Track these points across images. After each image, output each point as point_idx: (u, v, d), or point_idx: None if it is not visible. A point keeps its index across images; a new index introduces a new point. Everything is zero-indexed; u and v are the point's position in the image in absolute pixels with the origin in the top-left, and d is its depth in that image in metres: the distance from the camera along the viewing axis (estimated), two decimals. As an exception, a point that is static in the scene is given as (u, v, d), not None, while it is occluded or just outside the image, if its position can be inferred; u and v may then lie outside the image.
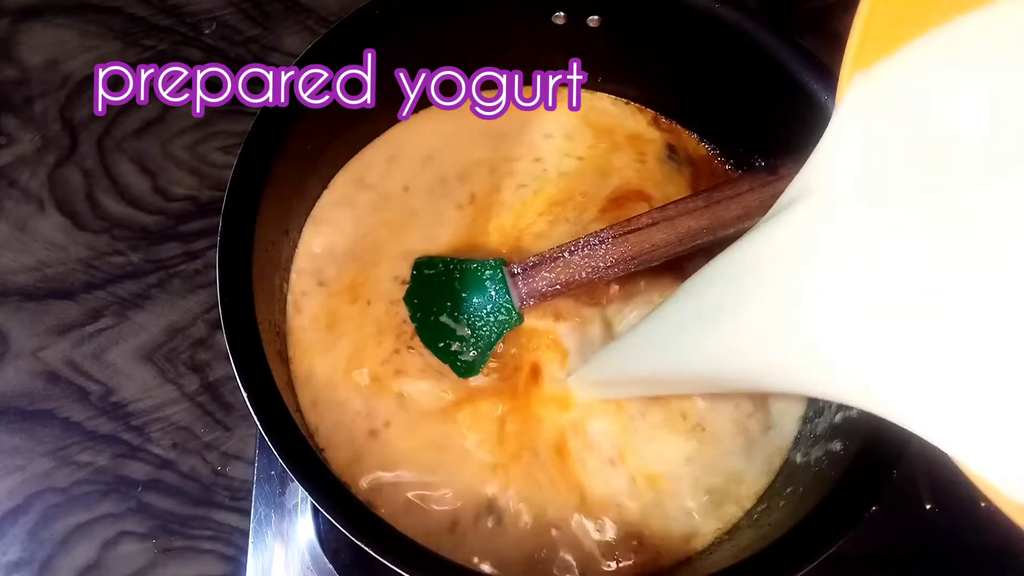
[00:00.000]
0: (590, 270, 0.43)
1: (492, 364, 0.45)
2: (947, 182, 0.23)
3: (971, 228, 0.22)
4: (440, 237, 0.47)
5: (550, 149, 0.50)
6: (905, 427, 0.25)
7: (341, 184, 0.48)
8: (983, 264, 0.22)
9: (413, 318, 0.45)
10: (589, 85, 0.51)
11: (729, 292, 0.32)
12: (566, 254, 0.44)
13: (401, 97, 0.49)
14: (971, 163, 0.22)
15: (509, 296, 0.44)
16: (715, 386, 0.38)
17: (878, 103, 0.24)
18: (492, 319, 0.44)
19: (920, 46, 0.23)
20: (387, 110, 0.49)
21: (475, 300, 0.44)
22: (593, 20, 0.46)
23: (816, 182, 0.26)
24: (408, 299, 0.45)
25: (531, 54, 0.49)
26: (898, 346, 0.23)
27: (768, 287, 0.29)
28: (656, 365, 0.38)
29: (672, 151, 0.50)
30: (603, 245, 0.43)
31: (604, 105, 0.52)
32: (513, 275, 0.44)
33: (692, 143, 0.51)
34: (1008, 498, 0.21)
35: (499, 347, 0.45)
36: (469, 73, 0.49)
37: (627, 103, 0.52)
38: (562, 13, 0.46)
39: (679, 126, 0.51)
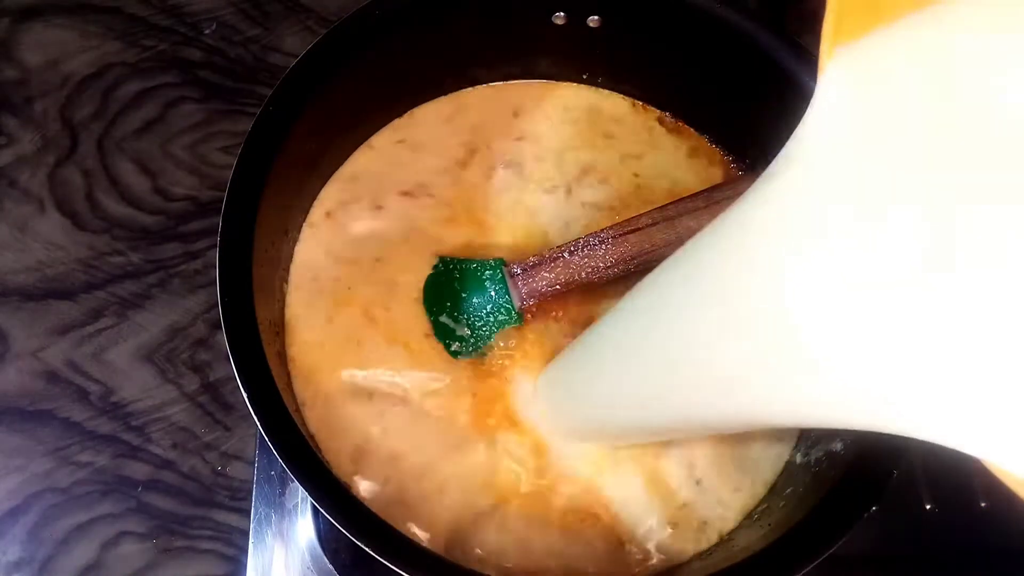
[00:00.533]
0: (590, 270, 0.43)
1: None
2: (939, 155, 0.22)
3: (970, 200, 0.21)
4: (444, 237, 0.47)
5: (554, 143, 0.50)
6: (903, 430, 0.24)
7: (341, 183, 0.48)
8: (981, 239, 0.20)
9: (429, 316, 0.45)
10: (590, 82, 0.51)
11: (693, 283, 0.30)
12: (566, 254, 0.44)
13: (401, 96, 0.49)
14: (966, 137, 0.21)
15: (509, 296, 0.44)
16: (678, 421, 0.35)
17: (861, 74, 0.23)
18: (492, 319, 0.44)
19: (904, 22, 0.23)
20: (387, 109, 0.49)
21: (475, 300, 0.44)
22: (593, 20, 0.46)
23: (795, 156, 0.25)
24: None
25: (531, 54, 0.49)
26: (889, 324, 0.22)
27: (741, 267, 0.27)
28: (610, 395, 0.37)
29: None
30: (603, 245, 0.43)
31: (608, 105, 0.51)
32: (513, 275, 0.44)
33: (703, 144, 0.51)
34: None
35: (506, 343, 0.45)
36: (469, 73, 0.49)
37: (633, 103, 0.51)
38: (562, 13, 0.46)
39: (686, 126, 0.51)
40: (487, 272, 0.44)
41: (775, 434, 0.44)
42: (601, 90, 0.51)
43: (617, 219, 0.45)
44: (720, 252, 0.29)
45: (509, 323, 0.44)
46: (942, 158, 0.22)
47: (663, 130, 0.51)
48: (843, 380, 0.24)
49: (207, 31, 0.63)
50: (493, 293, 0.44)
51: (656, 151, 0.50)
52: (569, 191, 0.48)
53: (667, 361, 0.32)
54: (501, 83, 0.51)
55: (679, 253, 0.31)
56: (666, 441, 0.43)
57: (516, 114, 0.50)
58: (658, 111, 0.51)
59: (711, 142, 0.51)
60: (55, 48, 0.62)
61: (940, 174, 0.22)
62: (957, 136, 0.21)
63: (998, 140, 0.21)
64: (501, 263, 0.45)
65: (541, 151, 0.49)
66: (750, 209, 0.27)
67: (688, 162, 0.50)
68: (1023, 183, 0.20)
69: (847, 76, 0.24)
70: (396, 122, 0.49)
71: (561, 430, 0.43)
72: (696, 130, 0.51)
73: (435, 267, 0.46)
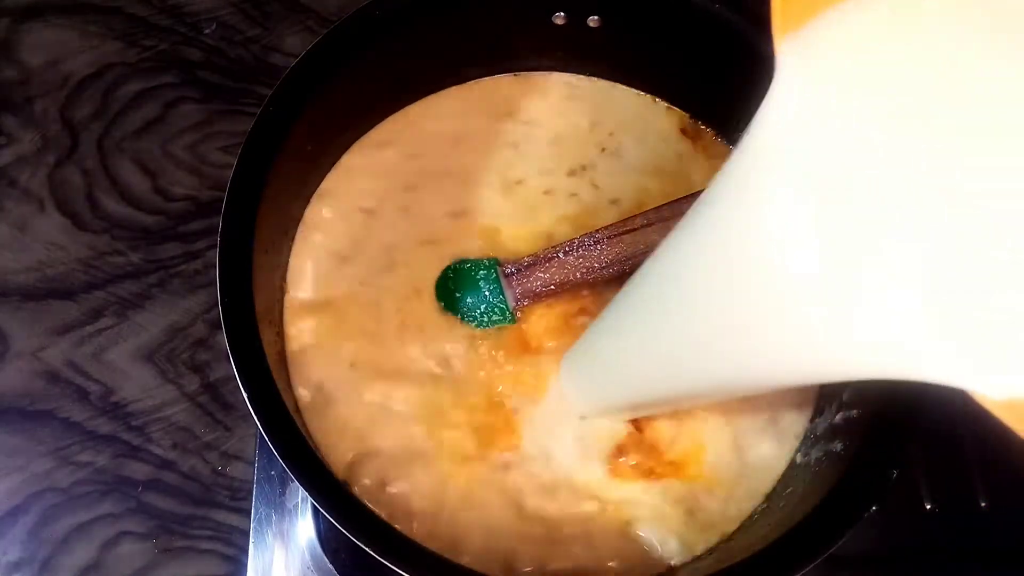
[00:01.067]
0: (584, 270, 0.43)
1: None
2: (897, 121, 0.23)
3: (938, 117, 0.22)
4: (446, 235, 0.47)
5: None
6: (890, 373, 0.24)
7: (341, 182, 0.48)
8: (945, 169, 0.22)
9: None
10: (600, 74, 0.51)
11: (695, 242, 0.31)
12: (560, 254, 0.43)
13: (401, 95, 0.49)
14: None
15: (503, 296, 0.44)
16: (698, 380, 0.36)
17: (812, 49, 0.24)
18: (486, 319, 0.44)
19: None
20: (387, 108, 0.49)
21: (469, 300, 0.44)
22: (593, 20, 0.46)
23: (763, 119, 0.27)
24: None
25: (531, 54, 0.49)
26: (865, 267, 0.23)
27: (727, 210, 0.29)
28: (633, 366, 0.37)
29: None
30: (598, 245, 0.43)
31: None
32: (507, 275, 0.44)
33: (710, 136, 0.50)
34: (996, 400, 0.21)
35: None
36: (468, 73, 0.49)
37: (638, 94, 0.51)
38: (562, 13, 0.46)
39: (692, 118, 0.50)
40: (481, 272, 0.44)
41: (777, 435, 0.44)
42: (604, 82, 0.51)
43: (625, 214, 0.45)
44: (713, 204, 0.30)
45: (503, 323, 0.44)
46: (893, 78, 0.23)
47: (673, 122, 0.50)
48: (829, 324, 0.25)
49: (207, 31, 0.63)
50: (487, 293, 0.44)
51: (663, 143, 0.50)
52: (571, 184, 0.48)
53: (681, 322, 0.33)
54: (501, 76, 0.50)
55: (680, 222, 0.32)
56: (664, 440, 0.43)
57: (517, 108, 0.50)
58: (665, 102, 0.51)
59: (717, 136, 0.50)
60: (55, 48, 0.62)
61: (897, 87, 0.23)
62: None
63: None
64: (495, 262, 0.45)
65: (543, 145, 0.49)
66: (738, 159, 0.28)
67: (701, 156, 0.49)
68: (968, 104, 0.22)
69: (803, 52, 0.25)
70: (396, 118, 0.49)
71: (588, 407, 0.43)
72: (706, 126, 0.50)
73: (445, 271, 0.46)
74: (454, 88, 0.50)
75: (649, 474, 0.43)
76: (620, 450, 0.43)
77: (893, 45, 0.23)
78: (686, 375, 0.35)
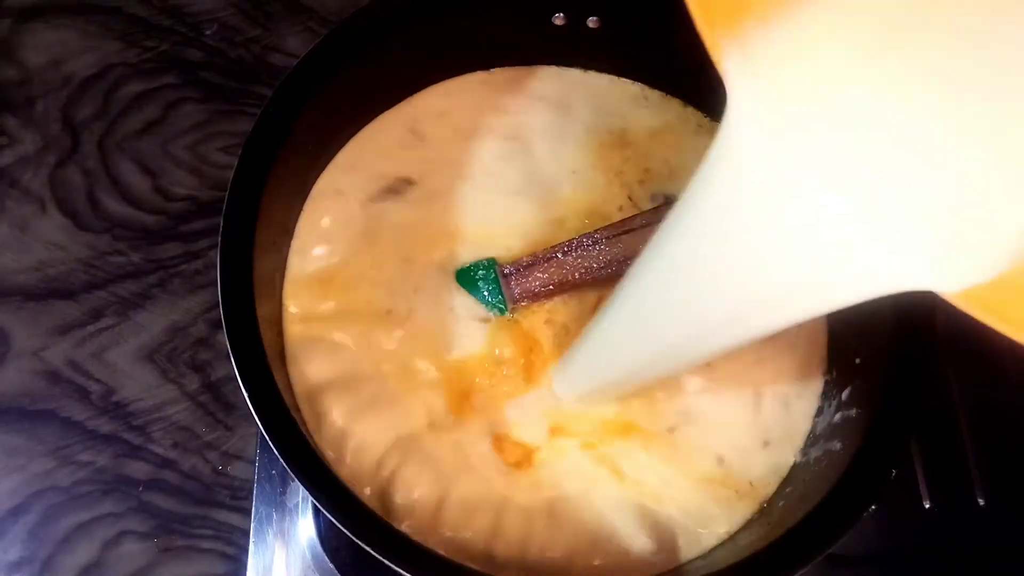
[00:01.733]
0: (583, 271, 0.43)
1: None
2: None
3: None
4: (446, 233, 0.47)
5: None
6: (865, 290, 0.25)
7: (340, 180, 0.48)
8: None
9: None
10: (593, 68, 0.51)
11: (696, 216, 0.31)
12: (559, 254, 0.44)
13: (401, 95, 0.49)
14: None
15: (502, 296, 0.44)
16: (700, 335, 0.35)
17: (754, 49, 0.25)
18: None
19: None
20: (387, 106, 0.49)
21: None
22: (592, 21, 0.46)
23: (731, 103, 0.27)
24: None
25: (531, 54, 0.50)
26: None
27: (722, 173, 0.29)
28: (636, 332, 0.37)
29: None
30: (597, 246, 0.43)
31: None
32: (506, 275, 0.44)
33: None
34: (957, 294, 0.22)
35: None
36: (467, 72, 0.49)
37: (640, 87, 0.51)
38: (561, 14, 0.46)
39: (697, 111, 0.50)
40: (479, 272, 0.44)
41: (779, 436, 0.44)
42: (604, 77, 0.51)
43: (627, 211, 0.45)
44: (711, 173, 0.30)
45: None
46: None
47: (678, 113, 0.50)
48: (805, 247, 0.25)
49: (208, 32, 0.63)
50: (486, 293, 0.44)
51: (670, 137, 0.50)
52: (571, 181, 0.48)
53: (699, 276, 0.33)
54: (500, 71, 0.50)
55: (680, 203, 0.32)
56: (667, 441, 0.43)
57: (517, 105, 0.50)
58: (670, 96, 0.51)
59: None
60: (56, 48, 0.62)
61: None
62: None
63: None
64: (493, 263, 0.45)
65: (542, 142, 0.49)
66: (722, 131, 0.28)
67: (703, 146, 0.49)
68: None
69: (745, 58, 0.26)
70: (395, 116, 0.49)
71: (577, 393, 0.43)
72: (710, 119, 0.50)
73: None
74: (452, 86, 0.50)
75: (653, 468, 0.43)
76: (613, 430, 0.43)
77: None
78: (677, 325, 0.35)
